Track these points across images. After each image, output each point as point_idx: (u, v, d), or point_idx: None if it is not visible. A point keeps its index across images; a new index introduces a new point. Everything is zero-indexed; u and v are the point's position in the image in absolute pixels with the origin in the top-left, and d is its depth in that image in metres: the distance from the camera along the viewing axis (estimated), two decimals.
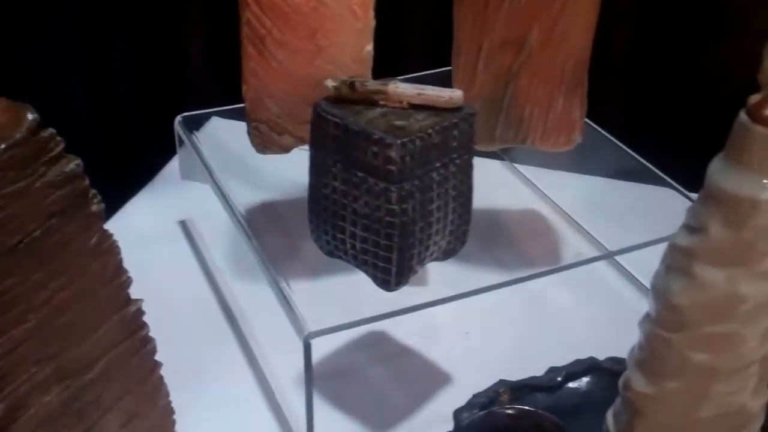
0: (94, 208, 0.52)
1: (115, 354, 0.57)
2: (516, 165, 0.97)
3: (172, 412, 0.65)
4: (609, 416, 0.52)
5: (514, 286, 0.74)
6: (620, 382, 0.50)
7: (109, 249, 0.53)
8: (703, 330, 0.45)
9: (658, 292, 0.46)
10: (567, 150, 0.78)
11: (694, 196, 0.58)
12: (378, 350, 0.74)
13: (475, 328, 0.76)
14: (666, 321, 0.46)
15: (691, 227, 0.45)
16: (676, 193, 0.77)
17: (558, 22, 0.72)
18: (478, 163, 0.99)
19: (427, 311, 0.65)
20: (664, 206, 0.77)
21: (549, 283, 0.77)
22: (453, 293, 0.64)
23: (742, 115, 0.42)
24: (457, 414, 0.59)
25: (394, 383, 0.71)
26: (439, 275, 0.73)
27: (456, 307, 0.67)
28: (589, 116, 0.78)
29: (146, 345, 0.60)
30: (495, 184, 0.94)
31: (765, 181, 0.42)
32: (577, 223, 0.87)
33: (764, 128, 0.41)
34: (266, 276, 0.66)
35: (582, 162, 0.91)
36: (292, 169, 0.74)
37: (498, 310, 0.77)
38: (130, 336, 0.57)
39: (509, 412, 0.52)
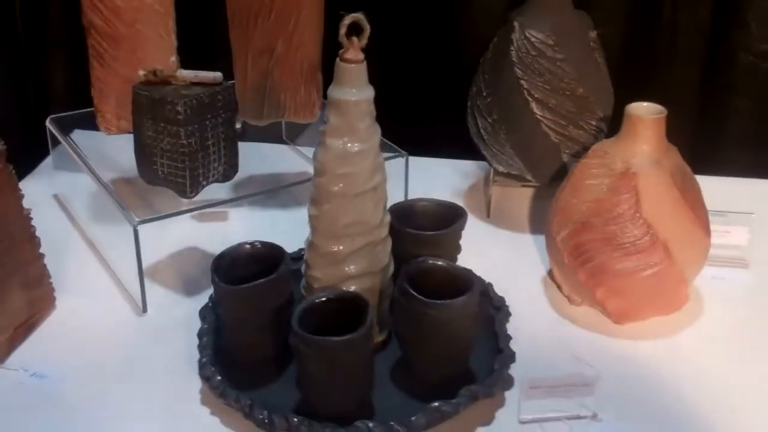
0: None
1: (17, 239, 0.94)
2: (297, 147, 1.39)
3: (53, 289, 1.02)
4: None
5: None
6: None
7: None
8: (334, 173, 0.85)
9: (314, 158, 0.87)
10: (313, 121, 1.20)
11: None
12: (194, 243, 1.14)
13: (247, 221, 1.18)
14: (317, 171, 0.87)
15: (324, 122, 0.86)
16: None
17: (293, 36, 1.13)
18: (269, 148, 1.40)
19: (213, 215, 1.04)
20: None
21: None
22: (229, 197, 1.05)
23: (338, 59, 0.84)
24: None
25: (205, 262, 1.09)
26: (223, 189, 1.14)
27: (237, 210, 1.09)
28: None
29: (34, 239, 0.97)
30: (280, 159, 1.36)
31: (352, 90, 0.83)
32: None
33: (346, 63, 0.83)
34: (111, 200, 1.03)
35: None
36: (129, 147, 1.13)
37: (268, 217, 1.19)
38: (26, 229, 0.95)
39: (247, 246, 0.91)
